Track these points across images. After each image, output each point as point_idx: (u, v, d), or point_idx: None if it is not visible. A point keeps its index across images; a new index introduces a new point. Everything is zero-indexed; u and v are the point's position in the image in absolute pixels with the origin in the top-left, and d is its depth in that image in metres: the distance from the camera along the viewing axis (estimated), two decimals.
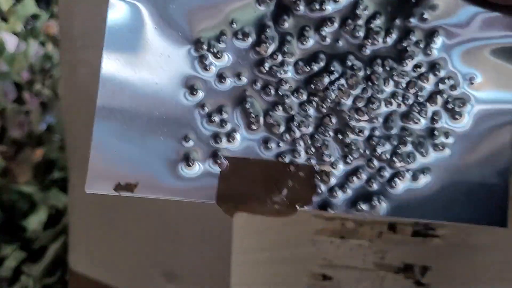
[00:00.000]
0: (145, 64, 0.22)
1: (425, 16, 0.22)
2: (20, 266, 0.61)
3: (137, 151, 0.21)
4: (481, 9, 0.21)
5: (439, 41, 0.22)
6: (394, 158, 0.21)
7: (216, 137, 0.22)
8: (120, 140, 0.21)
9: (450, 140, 0.21)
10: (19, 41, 0.72)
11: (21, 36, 0.73)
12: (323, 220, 0.28)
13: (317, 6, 0.22)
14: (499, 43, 0.21)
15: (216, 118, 0.22)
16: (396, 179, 0.21)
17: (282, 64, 0.22)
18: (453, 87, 0.21)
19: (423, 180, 0.21)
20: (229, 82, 0.22)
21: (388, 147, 0.21)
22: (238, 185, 0.21)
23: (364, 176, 0.21)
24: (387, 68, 0.22)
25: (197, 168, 0.21)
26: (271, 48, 0.22)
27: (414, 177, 0.21)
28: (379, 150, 0.21)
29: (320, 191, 0.21)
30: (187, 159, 0.21)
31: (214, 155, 0.21)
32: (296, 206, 0.21)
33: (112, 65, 0.22)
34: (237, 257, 0.29)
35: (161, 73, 0.22)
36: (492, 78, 0.21)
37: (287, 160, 0.22)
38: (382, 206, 0.21)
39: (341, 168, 0.21)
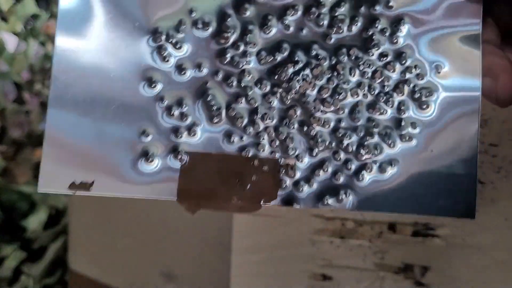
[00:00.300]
0: (100, 55, 0.21)
1: (391, 3, 0.21)
2: (20, 266, 0.61)
3: (93, 146, 0.20)
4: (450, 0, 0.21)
5: (405, 29, 0.21)
6: (361, 150, 0.21)
7: (176, 131, 0.21)
8: (75, 135, 0.20)
9: (416, 130, 0.21)
10: (19, 41, 0.72)
11: (21, 36, 0.73)
12: (323, 220, 0.28)
13: None
14: (465, 31, 0.21)
15: (176, 111, 0.21)
16: (363, 171, 0.20)
17: (244, 54, 0.21)
18: (419, 76, 0.21)
19: (390, 172, 0.20)
20: (189, 74, 0.21)
21: (354, 138, 0.21)
22: (200, 181, 0.20)
23: (330, 169, 0.21)
24: (353, 58, 0.21)
25: (157, 163, 0.20)
26: (233, 37, 0.21)
27: (381, 169, 0.20)
28: (345, 142, 0.21)
29: (285, 186, 0.20)
30: (146, 155, 0.20)
31: (175, 150, 0.20)
32: (261, 202, 0.20)
33: (65, 56, 0.21)
34: (237, 257, 0.29)
35: (118, 64, 0.21)
36: (458, 66, 0.21)
37: (250, 154, 0.21)
38: (349, 199, 0.20)
39: (306, 161, 0.21)
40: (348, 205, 0.20)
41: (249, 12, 0.21)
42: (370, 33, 0.21)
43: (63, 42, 0.21)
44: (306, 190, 0.20)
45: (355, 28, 0.21)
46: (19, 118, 0.68)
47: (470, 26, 0.21)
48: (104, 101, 0.21)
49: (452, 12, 0.21)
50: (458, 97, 0.21)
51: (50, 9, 0.76)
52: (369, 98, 0.21)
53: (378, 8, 0.21)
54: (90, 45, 0.21)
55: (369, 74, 0.21)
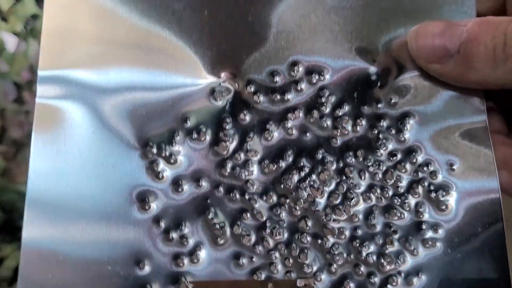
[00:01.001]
0: (85, 178, 0.18)
1: (393, 101, 0.20)
2: None
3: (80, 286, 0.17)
4: (451, 94, 0.20)
5: (410, 126, 0.20)
6: (382, 260, 0.19)
7: (176, 258, 0.18)
8: (59, 273, 0.17)
9: (439, 233, 0.19)
10: (19, 41, 0.72)
11: (21, 36, 0.73)
12: None
13: (278, 97, 0.20)
14: (470, 123, 0.20)
15: (175, 235, 0.19)
16: (388, 285, 0.19)
17: (245, 164, 0.20)
18: (433, 174, 0.20)
19: (417, 282, 0.19)
20: (186, 190, 0.19)
21: (373, 248, 0.19)
22: None
23: (352, 286, 0.19)
24: (361, 159, 0.20)
25: None
26: (232, 146, 0.20)
27: (408, 281, 0.19)
28: (364, 252, 0.19)
29: None
30: None
31: (176, 281, 0.18)
32: None
33: (44, 164, 0.18)
34: None
35: (106, 186, 0.18)
36: (471, 162, 0.20)
37: (263, 277, 0.18)
38: None
39: (325, 279, 0.19)
40: None
41: (248, 118, 0.20)
42: (375, 132, 0.20)
43: (38, 167, 0.18)
44: None
45: (360, 128, 0.20)
46: (19, 118, 0.68)
47: (476, 118, 0.20)
48: (93, 231, 0.18)
49: (455, 107, 0.20)
50: (477, 200, 0.19)
51: None
52: (383, 201, 0.20)
53: (381, 106, 0.20)
54: (71, 167, 0.18)
55: (380, 176, 0.20)
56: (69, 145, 0.19)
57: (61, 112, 0.19)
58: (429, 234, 0.19)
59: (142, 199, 0.19)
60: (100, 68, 0.19)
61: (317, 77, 0.20)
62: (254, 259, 0.19)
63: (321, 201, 0.20)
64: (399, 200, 0.20)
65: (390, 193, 0.20)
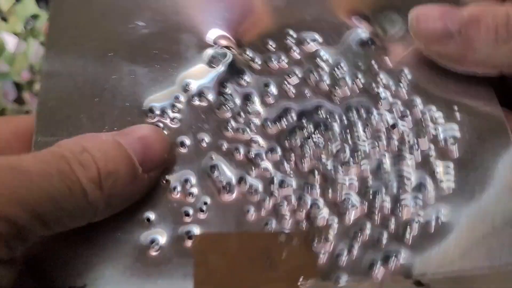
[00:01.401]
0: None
1: (387, 59, 0.21)
2: None
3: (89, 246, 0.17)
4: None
5: (405, 80, 0.20)
6: (399, 206, 0.18)
7: (184, 213, 0.18)
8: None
9: (451, 174, 0.19)
10: (19, 41, 0.72)
11: (21, 36, 0.73)
12: None
13: (275, 61, 0.21)
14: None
15: (181, 191, 0.19)
16: (407, 231, 0.18)
17: (248, 124, 0.20)
18: (435, 120, 0.20)
19: (438, 225, 0.18)
20: (191, 149, 0.19)
21: (387, 196, 0.18)
22: (220, 268, 0.17)
23: (369, 232, 0.18)
24: (363, 115, 0.20)
25: (165, 253, 0.17)
26: (234, 109, 0.20)
27: (427, 224, 0.18)
28: (378, 201, 0.18)
29: (323, 259, 0.17)
30: (152, 243, 0.17)
31: (185, 234, 0.18)
32: (299, 282, 0.16)
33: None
34: None
35: None
36: (471, 102, 0.20)
37: (274, 228, 0.18)
38: (403, 261, 0.17)
39: (340, 228, 0.18)
40: (404, 270, 0.17)
41: (247, 81, 0.20)
42: (374, 87, 0.20)
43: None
44: (348, 259, 0.17)
45: (359, 84, 0.20)
46: None
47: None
48: None
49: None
50: (480, 122, 0.19)
51: None
52: (391, 151, 0.19)
53: (376, 65, 0.21)
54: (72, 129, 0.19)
55: (385, 128, 0.20)
56: (74, 111, 0.19)
57: (66, 80, 0.20)
58: (441, 173, 0.19)
59: None
60: (102, 42, 0.20)
61: (311, 42, 0.21)
62: (263, 213, 0.18)
63: (328, 158, 0.19)
64: (407, 147, 0.19)
65: (397, 142, 0.20)
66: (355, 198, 0.19)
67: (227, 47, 0.20)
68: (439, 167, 0.19)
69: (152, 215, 0.18)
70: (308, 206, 0.18)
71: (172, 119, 0.20)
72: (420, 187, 0.19)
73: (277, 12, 0.21)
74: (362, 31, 0.21)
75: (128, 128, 0.18)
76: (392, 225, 0.18)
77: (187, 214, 0.18)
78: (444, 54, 0.19)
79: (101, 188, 0.15)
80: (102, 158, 0.16)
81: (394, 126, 0.20)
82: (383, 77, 0.20)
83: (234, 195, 0.19)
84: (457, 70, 0.19)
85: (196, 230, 0.18)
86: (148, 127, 0.19)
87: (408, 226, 0.18)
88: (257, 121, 0.20)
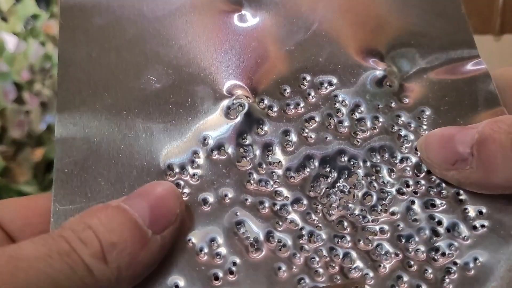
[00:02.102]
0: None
1: (406, 98, 0.20)
2: None
3: None
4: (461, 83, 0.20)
5: (428, 117, 0.20)
6: (433, 253, 0.18)
7: (213, 276, 0.17)
8: None
9: (484, 213, 0.18)
10: (19, 41, 0.72)
11: (21, 36, 0.73)
12: None
13: (292, 108, 0.20)
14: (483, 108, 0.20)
15: (208, 253, 0.18)
16: (446, 278, 0.17)
17: (271, 175, 0.19)
18: None
19: (477, 268, 0.17)
20: (214, 208, 0.19)
21: (421, 242, 0.18)
22: None
23: (407, 283, 0.17)
24: (386, 157, 0.20)
25: None
26: (255, 160, 0.20)
27: (466, 268, 0.17)
28: (412, 248, 0.18)
29: None
30: None
31: None
32: None
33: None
34: None
35: None
36: None
37: (308, 285, 0.17)
38: None
39: (376, 279, 0.17)
40: None
41: (265, 130, 0.20)
42: (395, 128, 0.20)
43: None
44: None
45: (379, 127, 0.20)
46: (19, 118, 0.68)
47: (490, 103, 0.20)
48: None
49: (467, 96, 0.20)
50: None
51: (50, 9, 0.76)
52: (419, 194, 0.19)
53: (395, 105, 0.20)
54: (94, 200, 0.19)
55: (409, 170, 0.19)
56: (91, 175, 0.19)
57: (81, 142, 0.19)
58: (473, 214, 0.18)
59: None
60: (115, 100, 0.20)
61: (327, 85, 0.20)
62: (294, 270, 0.17)
63: (355, 205, 0.19)
64: (435, 190, 0.19)
65: (424, 185, 0.19)
66: (387, 246, 0.18)
67: (242, 96, 0.20)
68: (471, 208, 0.18)
69: (180, 281, 0.17)
70: (341, 258, 0.18)
71: (192, 176, 0.19)
72: (453, 229, 0.18)
73: (291, 57, 0.21)
74: (377, 70, 0.20)
75: (135, 191, 0.18)
76: (430, 273, 0.18)
77: (216, 278, 0.17)
78: (463, 179, 0.18)
79: (106, 261, 0.15)
80: (105, 230, 0.15)
81: (419, 167, 0.19)
82: (403, 116, 0.20)
83: (263, 253, 0.18)
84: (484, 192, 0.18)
85: None
86: (155, 184, 0.18)
87: (446, 272, 0.17)
88: (279, 171, 0.20)
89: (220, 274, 0.17)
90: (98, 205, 0.17)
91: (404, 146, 0.20)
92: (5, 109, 0.67)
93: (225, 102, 0.20)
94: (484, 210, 0.18)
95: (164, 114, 0.20)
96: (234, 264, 0.18)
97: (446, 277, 0.17)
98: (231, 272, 0.17)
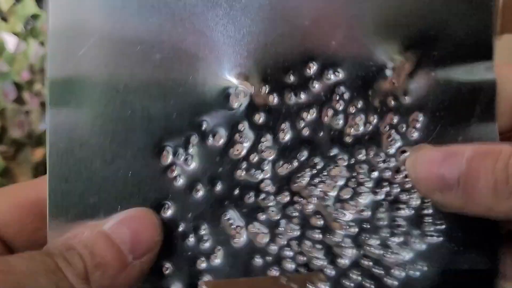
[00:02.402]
0: (101, 183, 0.19)
1: (406, 98, 0.20)
2: None
3: None
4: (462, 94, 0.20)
5: (421, 122, 0.20)
6: (385, 253, 0.20)
7: (195, 260, 0.19)
8: None
9: (441, 226, 0.20)
10: (19, 41, 0.72)
11: (21, 36, 0.73)
12: None
13: (293, 97, 0.20)
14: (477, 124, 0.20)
15: (193, 238, 0.19)
16: (389, 275, 0.19)
17: (260, 164, 0.20)
18: None
19: (418, 272, 0.19)
20: (203, 194, 0.19)
21: (378, 240, 0.20)
22: None
23: (357, 277, 0.19)
24: (371, 155, 0.20)
25: None
26: (247, 147, 0.20)
27: (409, 271, 0.19)
28: (370, 244, 0.20)
29: None
30: None
31: (194, 282, 0.19)
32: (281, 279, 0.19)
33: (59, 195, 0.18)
34: None
35: (122, 193, 0.19)
36: None
37: (276, 273, 0.19)
38: None
39: (333, 272, 0.19)
40: None
41: (262, 119, 0.20)
42: (387, 128, 0.20)
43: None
44: None
45: (372, 125, 0.20)
46: (19, 118, 0.68)
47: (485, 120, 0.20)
48: None
49: (464, 105, 0.20)
50: None
51: None
52: (391, 197, 0.20)
53: (394, 104, 0.20)
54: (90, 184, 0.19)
55: (389, 172, 0.20)
56: (84, 153, 0.19)
57: (75, 118, 0.19)
58: (431, 227, 0.20)
59: (159, 204, 0.19)
60: (112, 74, 0.19)
61: (331, 74, 0.20)
62: (267, 257, 0.19)
63: (332, 195, 0.20)
64: (406, 196, 0.20)
65: (397, 188, 0.20)
66: (350, 243, 0.20)
67: (246, 83, 0.20)
68: (430, 221, 0.20)
69: (167, 264, 0.19)
70: (308, 249, 0.19)
71: (185, 160, 0.20)
72: (407, 236, 0.20)
73: (302, 37, 0.20)
74: (387, 65, 0.20)
75: (116, 214, 0.18)
76: (381, 268, 0.19)
77: (201, 262, 0.19)
78: (446, 203, 0.19)
79: (88, 282, 0.16)
80: (88, 253, 0.16)
81: (398, 171, 0.20)
82: (397, 117, 0.20)
83: (243, 241, 0.19)
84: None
85: (206, 277, 0.19)
86: (137, 211, 0.18)
87: (394, 269, 0.19)
88: (269, 159, 0.20)
89: (204, 259, 0.19)
90: (83, 226, 0.18)
91: (390, 147, 0.20)
92: (5, 109, 0.67)
93: (227, 87, 0.20)
94: (442, 227, 0.20)
95: (163, 93, 0.19)
96: (217, 250, 0.19)
97: (393, 271, 0.19)
98: (214, 258, 0.19)
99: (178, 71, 0.20)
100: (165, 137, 0.19)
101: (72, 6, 0.19)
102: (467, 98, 0.20)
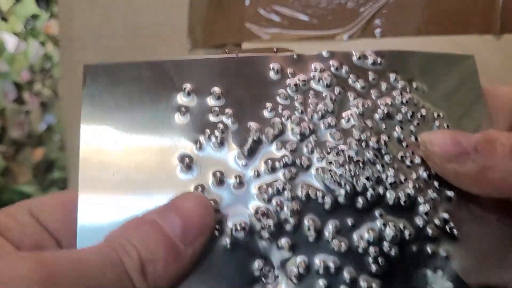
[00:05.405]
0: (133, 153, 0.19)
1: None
2: None
3: None
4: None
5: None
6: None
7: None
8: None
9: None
10: (19, 41, 0.72)
11: (21, 36, 0.73)
12: None
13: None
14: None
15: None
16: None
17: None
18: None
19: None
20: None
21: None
22: None
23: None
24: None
25: None
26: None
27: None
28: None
29: None
30: None
31: None
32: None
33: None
34: None
35: (149, 152, 0.20)
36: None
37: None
38: None
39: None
40: None
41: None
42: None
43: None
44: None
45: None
46: (19, 118, 0.68)
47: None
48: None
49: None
50: None
51: (50, 9, 0.76)
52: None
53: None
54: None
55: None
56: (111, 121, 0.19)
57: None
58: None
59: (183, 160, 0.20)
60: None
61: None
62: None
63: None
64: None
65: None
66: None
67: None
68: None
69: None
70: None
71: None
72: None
73: None
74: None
75: (168, 202, 0.19)
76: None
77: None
78: (461, 173, 0.19)
79: (145, 275, 0.16)
80: (142, 246, 0.17)
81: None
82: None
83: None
84: (473, 192, 0.19)
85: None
86: (189, 197, 0.19)
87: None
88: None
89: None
90: (134, 218, 0.18)
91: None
92: (5, 109, 0.67)
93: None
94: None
95: None
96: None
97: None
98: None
99: None
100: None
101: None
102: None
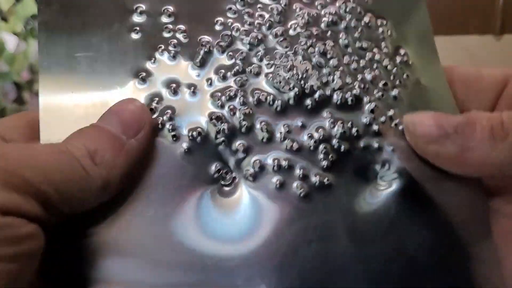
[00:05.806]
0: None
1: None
2: None
3: None
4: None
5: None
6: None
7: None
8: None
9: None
10: (19, 41, 0.72)
11: (21, 36, 0.72)
12: None
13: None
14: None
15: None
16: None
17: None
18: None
19: None
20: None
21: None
22: None
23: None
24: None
25: None
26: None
27: None
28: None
29: None
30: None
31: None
32: None
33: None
34: None
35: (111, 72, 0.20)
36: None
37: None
38: None
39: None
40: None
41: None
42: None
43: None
44: None
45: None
46: None
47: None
48: None
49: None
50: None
51: None
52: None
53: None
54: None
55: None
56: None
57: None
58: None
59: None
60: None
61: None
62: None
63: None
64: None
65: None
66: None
67: None
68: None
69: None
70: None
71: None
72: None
73: None
74: None
75: (108, 109, 0.20)
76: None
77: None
78: (442, 154, 0.19)
79: (95, 162, 0.18)
80: (87, 141, 0.18)
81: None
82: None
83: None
84: (454, 172, 0.20)
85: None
86: (123, 101, 0.20)
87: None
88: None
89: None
90: (75, 131, 0.20)
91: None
92: (5, 109, 0.67)
93: None
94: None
95: None
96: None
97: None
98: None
99: None
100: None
101: None
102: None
